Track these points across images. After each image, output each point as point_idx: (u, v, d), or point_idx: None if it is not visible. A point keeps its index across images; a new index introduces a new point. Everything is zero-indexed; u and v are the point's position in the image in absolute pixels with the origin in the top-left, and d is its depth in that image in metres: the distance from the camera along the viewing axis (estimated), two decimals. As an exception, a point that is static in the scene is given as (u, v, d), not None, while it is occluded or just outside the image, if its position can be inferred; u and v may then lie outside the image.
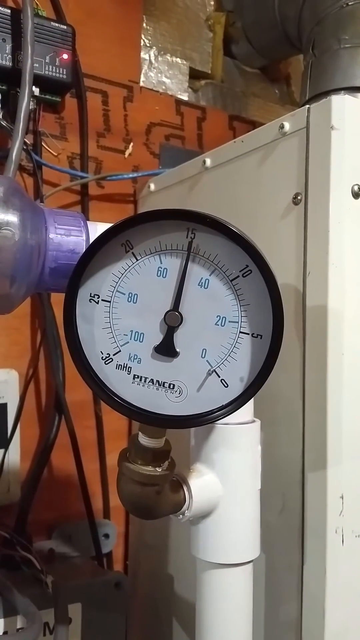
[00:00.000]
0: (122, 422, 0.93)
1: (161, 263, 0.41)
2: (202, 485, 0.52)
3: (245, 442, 0.53)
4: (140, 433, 0.47)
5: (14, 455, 0.82)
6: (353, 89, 0.78)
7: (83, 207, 0.91)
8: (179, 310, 0.42)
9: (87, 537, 0.86)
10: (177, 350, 0.42)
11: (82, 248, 0.44)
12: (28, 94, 0.76)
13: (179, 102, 1.02)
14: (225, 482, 0.53)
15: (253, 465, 0.54)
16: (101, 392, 0.43)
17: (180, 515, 0.52)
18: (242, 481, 0.53)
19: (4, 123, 0.80)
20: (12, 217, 0.40)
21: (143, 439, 0.46)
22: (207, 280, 0.41)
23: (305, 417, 0.59)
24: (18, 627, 0.64)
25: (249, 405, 0.54)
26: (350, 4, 0.80)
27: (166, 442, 0.48)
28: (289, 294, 0.61)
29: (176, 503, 0.51)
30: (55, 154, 0.88)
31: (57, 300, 0.83)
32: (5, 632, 0.63)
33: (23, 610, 0.62)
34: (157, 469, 0.47)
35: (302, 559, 0.59)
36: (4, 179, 0.41)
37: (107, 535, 0.91)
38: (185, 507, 0.51)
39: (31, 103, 0.78)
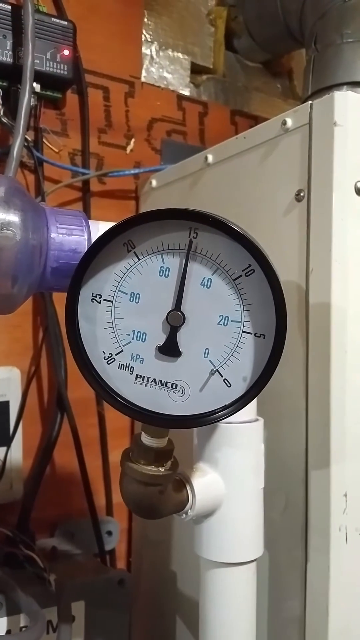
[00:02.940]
0: (124, 420, 0.93)
1: (163, 262, 0.41)
2: (205, 484, 0.52)
3: (249, 441, 0.53)
4: (142, 433, 0.46)
5: (17, 453, 0.82)
6: (356, 84, 0.77)
7: (84, 204, 0.90)
8: (182, 309, 0.41)
9: (90, 535, 0.86)
10: (181, 350, 0.42)
11: (84, 247, 0.44)
12: (29, 90, 0.75)
13: (180, 97, 1.02)
14: (229, 481, 0.52)
15: (256, 464, 0.54)
16: (103, 392, 0.43)
17: (184, 515, 0.52)
18: (245, 480, 0.53)
19: (4, 120, 0.79)
20: (13, 217, 0.40)
21: (146, 439, 0.46)
22: (209, 280, 0.41)
23: (309, 414, 0.59)
24: (21, 625, 0.64)
25: (252, 404, 0.54)
26: (352, -2, 0.79)
27: (169, 442, 0.47)
28: (291, 290, 0.61)
29: (179, 502, 0.51)
30: (57, 151, 0.88)
31: (59, 297, 0.83)
32: (8, 631, 0.63)
33: (26, 608, 0.62)
34: (159, 468, 0.47)
35: (306, 557, 0.59)
36: (5, 179, 0.41)
37: (110, 533, 0.91)
38: (188, 506, 0.51)
39: (32, 99, 0.77)
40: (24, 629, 0.64)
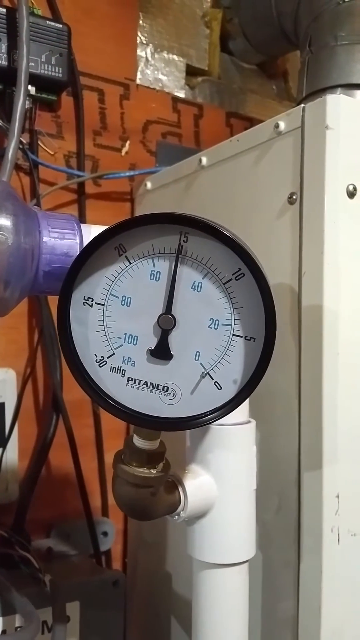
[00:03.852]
0: (119, 421, 0.92)
1: (154, 266, 0.41)
2: (197, 486, 0.52)
3: (241, 443, 0.54)
4: (134, 435, 0.47)
5: (12, 454, 0.82)
6: (350, 86, 0.78)
7: (80, 206, 0.91)
8: (173, 313, 0.42)
9: (86, 536, 0.86)
10: (172, 353, 0.42)
11: (76, 251, 0.44)
12: (24, 93, 0.76)
13: (175, 100, 1.02)
14: (221, 483, 0.53)
15: (248, 466, 0.54)
16: (95, 395, 0.43)
17: (176, 516, 0.52)
18: (237, 482, 0.53)
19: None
20: (5, 221, 0.40)
21: (138, 441, 0.47)
22: (200, 284, 0.41)
23: (301, 416, 0.60)
24: (16, 625, 0.64)
25: (244, 406, 0.55)
26: (346, 0, 0.79)
27: (161, 444, 0.48)
28: (284, 293, 0.61)
29: (171, 504, 0.51)
30: (52, 153, 0.88)
31: (54, 299, 0.83)
32: (4, 631, 0.63)
33: (21, 609, 0.62)
34: (151, 470, 0.47)
35: (299, 558, 0.60)
36: (-3, 183, 0.41)
37: (105, 533, 0.91)
38: (180, 508, 0.51)
39: (27, 102, 0.78)
40: (18, 630, 0.64)
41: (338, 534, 0.57)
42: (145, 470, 0.47)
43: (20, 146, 0.81)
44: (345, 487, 0.58)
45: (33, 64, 0.80)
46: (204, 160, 0.77)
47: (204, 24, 1.07)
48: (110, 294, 0.42)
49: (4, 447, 0.81)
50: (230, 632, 0.54)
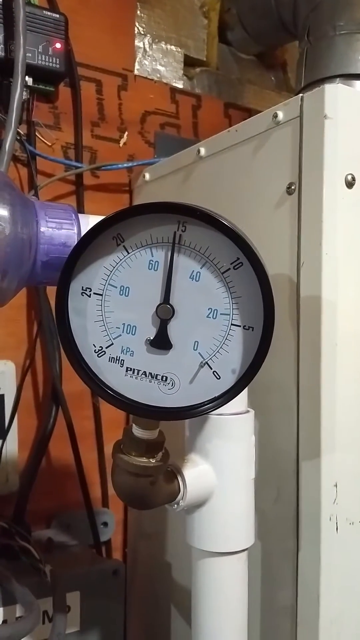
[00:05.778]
0: (119, 412, 0.92)
1: (152, 256, 0.42)
2: (196, 475, 0.52)
3: (239, 432, 0.54)
4: (133, 425, 0.47)
5: (12, 445, 0.82)
6: (349, 76, 0.78)
7: (78, 198, 0.90)
8: (171, 303, 0.42)
9: (86, 526, 0.86)
10: (172, 343, 0.42)
11: (74, 241, 0.44)
12: (21, 84, 0.75)
13: (173, 90, 1.02)
14: (220, 472, 0.53)
15: (247, 455, 0.54)
16: (94, 385, 0.43)
17: (175, 505, 0.52)
18: (236, 471, 0.53)
19: (-4, 114, 0.79)
20: (2, 211, 0.40)
21: (137, 431, 0.47)
22: (198, 273, 0.41)
23: (300, 406, 0.60)
24: (17, 615, 0.65)
25: (243, 396, 0.55)
26: (345, -10, 0.79)
27: (160, 433, 0.48)
28: (283, 284, 0.61)
29: (170, 493, 0.51)
30: (50, 144, 0.88)
31: (53, 291, 0.83)
32: (4, 621, 0.64)
33: (21, 599, 0.62)
34: (150, 460, 0.47)
35: (297, 547, 0.60)
36: (-6, 173, 0.41)
37: (105, 524, 0.91)
38: (179, 497, 0.51)
39: (24, 93, 0.78)
40: (18, 620, 0.64)
41: (336, 523, 0.58)
42: (144, 459, 0.47)
43: (18, 137, 0.80)
44: (343, 476, 0.58)
45: (30, 55, 0.80)
46: (203, 150, 0.76)
47: (202, 14, 1.06)
48: (109, 284, 0.42)
49: (4, 439, 0.81)
50: (230, 621, 0.55)
